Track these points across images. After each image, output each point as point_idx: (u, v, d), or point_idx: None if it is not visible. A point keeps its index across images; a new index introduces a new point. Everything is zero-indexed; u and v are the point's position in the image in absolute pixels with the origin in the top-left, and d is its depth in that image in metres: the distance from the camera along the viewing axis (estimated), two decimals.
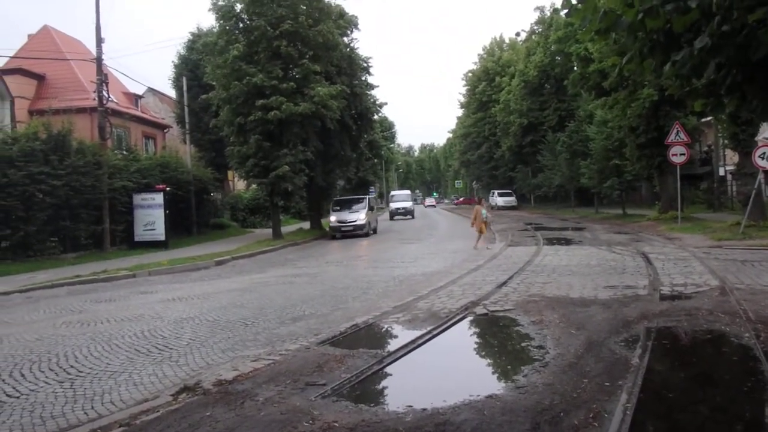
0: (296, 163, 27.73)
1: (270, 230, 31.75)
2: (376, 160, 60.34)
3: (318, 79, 28.26)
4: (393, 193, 65.49)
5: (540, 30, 57.92)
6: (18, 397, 6.56)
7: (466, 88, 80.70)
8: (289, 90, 27.07)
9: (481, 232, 21.82)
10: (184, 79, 37.56)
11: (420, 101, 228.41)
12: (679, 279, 12.17)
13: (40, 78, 38.91)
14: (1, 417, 5.97)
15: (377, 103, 37.44)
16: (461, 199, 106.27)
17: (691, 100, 8.02)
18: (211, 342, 8.71)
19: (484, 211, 22.13)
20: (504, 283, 12.47)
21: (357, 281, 14.56)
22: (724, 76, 6.37)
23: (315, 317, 10.18)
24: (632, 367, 6.45)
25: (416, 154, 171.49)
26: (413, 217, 52.37)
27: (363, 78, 35.18)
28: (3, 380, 7.21)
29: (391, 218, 50.77)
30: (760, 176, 21.79)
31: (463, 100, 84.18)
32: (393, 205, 56.45)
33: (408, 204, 55.20)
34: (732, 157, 33.66)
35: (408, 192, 65.88)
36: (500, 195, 63.12)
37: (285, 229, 33.62)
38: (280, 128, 27.56)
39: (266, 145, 27.50)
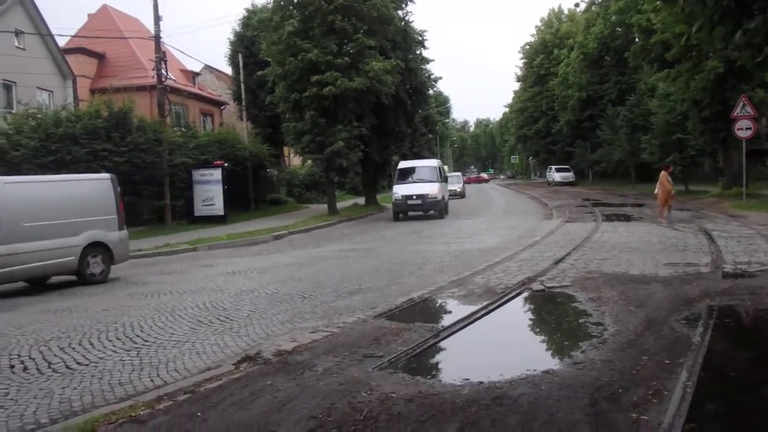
0: (351, 138, 27.77)
1: (325, 206, 31.97)
2: (431, 136, 59.74)
3: (372, 53, 28.12)
4: (400, 165, 29.74)
5: (600, 0, 56.33)
6: (87, 365, 6.83)
7: (523, 61, 79.28)
8: (343, 65, 27.05)
9: (665, 204, 19.68)
10: (240, 56, 37.89)
11: (476, 75, 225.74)
12: (743, 257, 11.85)
13: (100, 57, 39.81)
14: (72, 384, 6.22)
15: (432, 77, 37.09)
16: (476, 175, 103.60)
17: (762, 71, 7.80)
18: (270, 314, 8.89)
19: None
20: (561, 260, 12.35)
21: (412, 256, 14.60)
22: None
23: (371, 291, 10.27)
24: (693, 345, 6.35)
25: (471, 129, 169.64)
26: (442, 215, 26.87)
27: (418, 52, 34.87)
28: (73, 348, 7.52)
29: (396, 217, 26.80)
30: None
31: (519, 73, 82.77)
32: (396, 191, 27.21)
33: (428, 188, 26.68)
34: None
35: (435, 162, 30.88)
36: (557, 171, 62.05)
37: (340, 204, 33.75)
38: (335, 104, 27.60)
39: (321, 121, 27.62)
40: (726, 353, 6.42)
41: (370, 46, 28.01)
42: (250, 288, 11.15)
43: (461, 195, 44.35)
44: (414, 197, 26.11)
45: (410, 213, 26.96)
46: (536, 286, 9.88)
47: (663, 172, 20.13)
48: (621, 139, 45.52)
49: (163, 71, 26.18)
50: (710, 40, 7.41)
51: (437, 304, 9.18)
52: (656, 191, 20.03)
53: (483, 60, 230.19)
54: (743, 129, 24.33)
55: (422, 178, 27.19)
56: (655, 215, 22.18)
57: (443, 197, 27.21)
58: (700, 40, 7.84)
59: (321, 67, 26.97)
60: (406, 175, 27.89)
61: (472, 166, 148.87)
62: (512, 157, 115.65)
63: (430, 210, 26.63)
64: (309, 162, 37.09)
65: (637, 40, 36.84)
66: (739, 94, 25.69)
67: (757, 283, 9.41)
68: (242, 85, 37.83)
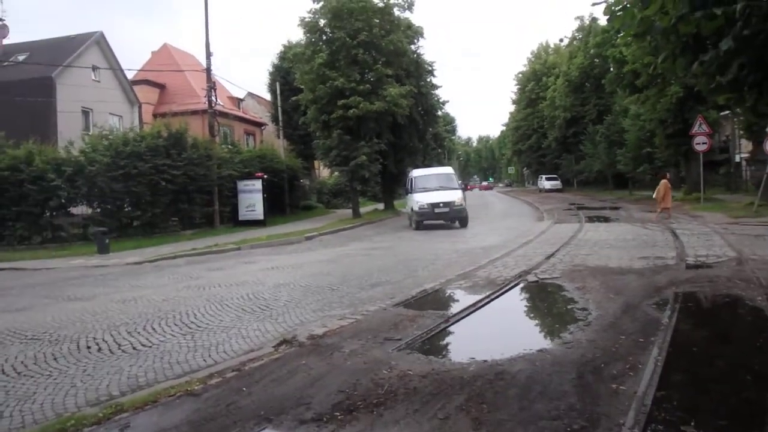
0: (372, 153, 27.77)
1: (350, 211, 31.92)
2: (440, 150, 59.66)
3: (390, 81, 28.14)
4: (415, 174, 24.70)
5: (580, 36, 56.28)
6: (150, 347, 6.90)
7: (517, 87, 78.81)
8: (365, 91, 27.09)
9: (666, 208, 19.76)
10: (278, 84, 38.15)
11: (478, 98, 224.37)
12: (702, 251, 11.79)
13: (161, 87, 40.32)
14: (138, 362, 6.30)
15: (440, 101, 37.07)
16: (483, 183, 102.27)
17: (715, 95, 7.84)
18: (304, 303, 8.90)
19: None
20: (552, 255, 12.29)
21: (425, 254, 14.57)
22: (746, 75, 6.21)
23: (390, 284, 10.25)
24: (662, 326, 6.34)
25: (474, 144, 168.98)
26: (463, 225, 22.10)
27: (428, 79, 34.76)
28: (138, 333, 7.59)
29: (417, 227, 22.05)
30: None
31: (514, 97, 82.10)
32: (420, 199, 22.29)
33: (452, 195, 22.28)
34: (746, 146, 33.29)
35: (447, 170, 26.45)
36: (547, 179, 61.74)
37: (363, 209, 33.70)
38: (358, 124, 27.63)
39: (346, 138, 27.65)
40: (689, 332, 6.41)
41: (388, 74, 28.04)
42: (286, 281, 11.16)
43: (459, 218, 33.48)
44: (441, 205, 21.58)
45: (432, 222, 21.97)
46: (531, 277, 9.84)
47: (664, 180, 20.53)
48: (600, 152, 45.44)
49: (213, 98, 26.39)
50: (673, 69, 7.45)
51: (447, 294, 9.17)
52: (655, 195, 20.21)
53: (484, 86, 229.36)
54: (700, 144, 24.58)
55: (444, 186, 22.74)
56: (629, 216, 22.10)
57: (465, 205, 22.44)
58: (664, 70, 7.85)
59: (346, 93, 27.05)
60: (425, 182, 23.19)
61: (476, 176, 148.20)
62: (509, 168, 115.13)
63: (456, 218, 21.92)
64: (336, 173, 37.16)
65: (612, 69, 36.82)
66: (697, 114, 25.85)
67: (714, 272, 9.39)
68: (279, 109, 38.14)
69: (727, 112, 28.97)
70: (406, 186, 25.44)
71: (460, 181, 25.05)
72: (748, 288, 8.03)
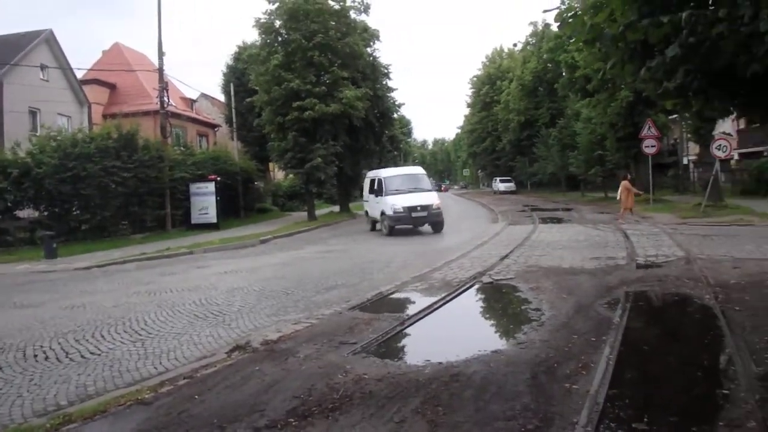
0: (327, 155, 27.64)
1: (305, 213, 31.73)
2: (396, 153, 59.90)
3: (346, 83, 28.10)
4: (384, 174, 22.40)
5: (534, 41, 57.40)
6: (99, 355, 6.69)
7: (472, 90, 79.87)
8: (321, 93, 26.97)
9: (627, 207, 20.27)
10: (232, 86, 37.63)
11: (433, 101, 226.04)
12: (652, 251, 12.12)
13: (112, 87, 39.24)
14: (86, 371, 6.10)
15: (396, 103, 37.10)
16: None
17: (663, 100, 8.07)
18: (258, 308, 8.79)
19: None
20: (506, 256, 12.44)
21: (380, 256, 14.59)
22: (691, 81, 6.42)
23: (345, 287, 10.21)
24: (614, 325, 6.47)
25: (430, 147, 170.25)
26: (438, 230, 20.49)
27: (384, 82, 34.85)
28: (87, 340, 7.35)
29: (390, 232, 20.30)
30: (717, 164, 22.15)
31: (469, 100, 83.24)
32: (395, 202, 20.37)
33: (429, 197, 20.73)
34: (694, 149, 34.20)
35: (418, 170, 23.85)
36: (502, 181, 62.59)
37: (318, 212, 33.55)
38: (314, 126, 27.47)
39: (302, 140, 27.44)
40: (640, 331, 6.56)
41: (344, 77, 28.00)
42: (240, 286, 11.02)
43: (435, 222, 23.66)
44: (419, 208, 19.82)
45: (405, 226, 20.46)
46: (486, 279, 9.95)
47: (624, 181, 20.93)
48: (553, 155, 46.15)
49: (166, 99, 25.80)
50: (622, 74, 7.67)
51: (402, 297, 9.18)
52: (619, 197, 20.60)
53: (439, 88, 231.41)
54: (649, 146, 25.11)
55: (417, 187, 21.09)
56: (581, 218, 22.55)
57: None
58: (614, 75, 8.08)
59: (302, 95, 26.87)
60: (396, 183, 21.19)
61: (431, 179, 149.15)
62: (464, 170, 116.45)
63: (434, 222, 20.39)
64: (291, 176, 36.80)
65: (564, 74, 37.78)
66: (646, 118, 26.39)
67: (663, 272, 9.65)
68: (233, 110, 37.59)
69: (675, 116, 29.77)
70: (366, 188, 23.57)
71: (432, 182, 23.68)
72: (697, 287, 8.27)
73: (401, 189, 20.88)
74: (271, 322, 7.80)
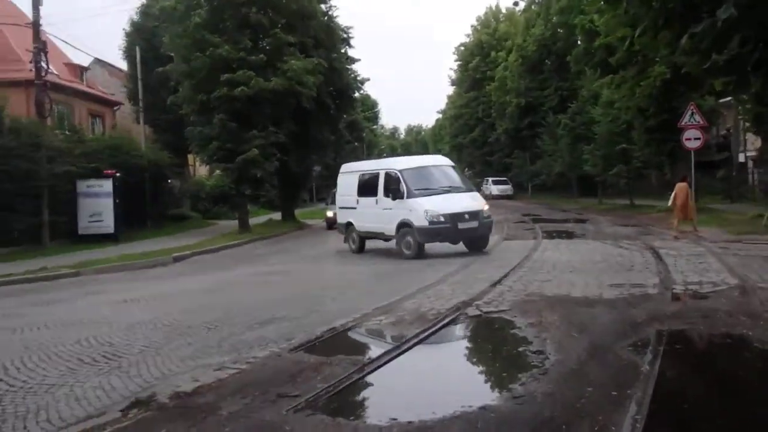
0: (266, 146, 27.59)
1: (236, 222, 31.61)
2: (357, 144, 60.01)
3: (292, 51, 28.11)
4: (401, 164, 19.87)
5: (540, 0, 57.87)
6: None
7: (458, 63, 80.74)
8: (259, 63, 26.92)
9: (685, 216, 20.05)
10: (138, 50, 37.17)
11: (407, 78, 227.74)
12: (693, 277, 12.19)
13: None
14: None
15: (359, 78, 37.31)
16: None
17: (710, 78, 8.12)
18: (168, 349, 8.65)
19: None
20: (499, 281, 12.47)
21: (335, 279, 14.61)
22: (750, 51, 6.38)
23: (288, 320, 10.12)
24: (642, 374, 6.47)
25: (402, 136, 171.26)
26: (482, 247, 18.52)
27: (343, 51, 35.01)
28: None
29: (419, 251, 18.03)
30: None
31: (454, 76, 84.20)
32: (431, 207, 17.75)
33: (473, 200, 18.98)
34: (754, 142, 33.96)
35: (442, 159, 22.49)
36: (495, 183, 62.99)
37: (253, 220, 33.41)
38: (249, 107, 27.40)
39: (232, 125, 27.34)
40: (678, 382, 6.58)
41: (290, 42, 28.01)
42: (145, 319, 10.82)
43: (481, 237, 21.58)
44: (467, 216, 17.76)
45: (431, 243, 18.45)
46: (472, 311, 9.93)
47: (681, 183, 20.64)
48: (562, 149, 46.59)
49: (44, 64, 25.26)
50: (654, 45, 7.73)
51: (363, 334, 9.14)
52: (670, 203, 20.55)
53: (416, 61, 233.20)
54: (692, 139, 24.59)
55: (453, 185, 19.17)
56: (598, 231, 22.81)
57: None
58: (642, 46, 8.12)
59: (233, 65, 26.79)
60: (423, 179, 19.04)
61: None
62: None
63: (482, 237, 18.57)
64: (217, 172, 36.61)
65: (579, 42, 37.93)
66: (688, 101, 26.20)
67: (708, 305, 9.68)
68: (140, 83, 37.11)
69: (728, 98, 29.77)
70: (349, 188, 21.25)
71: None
72: (756, 326, 8.25)
73: (431, 188, 18.76)
74: (186, 367, 7.67)
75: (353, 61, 36.11)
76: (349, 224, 20.84)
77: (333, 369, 7.11)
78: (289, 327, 9.58)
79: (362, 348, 8.50)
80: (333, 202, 27.52)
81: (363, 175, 20.85)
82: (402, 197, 18.37)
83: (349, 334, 9.06)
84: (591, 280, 12.30)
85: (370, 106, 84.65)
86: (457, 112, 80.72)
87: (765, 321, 8.49)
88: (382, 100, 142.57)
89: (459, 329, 9.25)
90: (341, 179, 22.10)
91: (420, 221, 17.68)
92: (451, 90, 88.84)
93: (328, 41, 32.73)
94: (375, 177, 20.02)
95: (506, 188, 61.72)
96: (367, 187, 20.17)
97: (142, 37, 38.65)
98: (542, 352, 7.51)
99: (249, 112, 27.58)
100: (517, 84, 58.55)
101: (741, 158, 39.29)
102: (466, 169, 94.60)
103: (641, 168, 36.10)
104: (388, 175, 19.34)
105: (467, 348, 8.79)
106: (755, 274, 12.18)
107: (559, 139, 47.13)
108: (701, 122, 25.03)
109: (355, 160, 29.58)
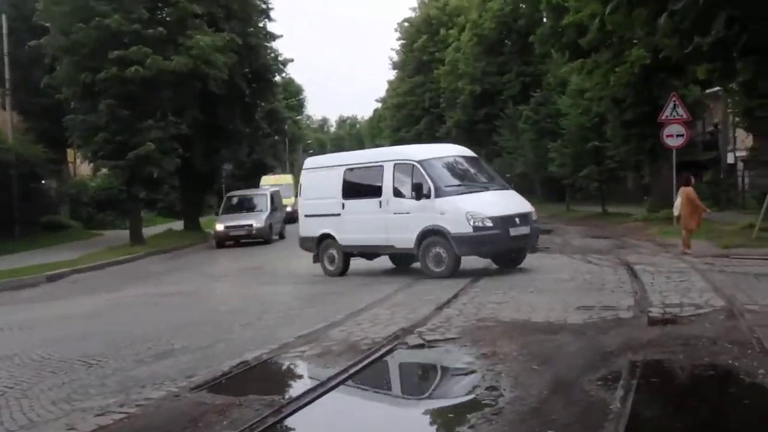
0: (165, 139, 27.42)
1: (127, 232, 31.27)
2: (277, 137, 59.67)
3: (198, 24, 28.01)
4: (424, 153, 18.34)
5: None
6: None
7: (401, 42, 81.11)
8: (157, 38, 26.73)
9: (691, 229, 19.25)
10: (4, 18, 36.49)
11: (340, 60, 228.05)
12: (674, 298, 12.32)
13: None
14: None
15: (280, 59, 37.35)
16: None
17: (692, 64, 8.25)
18: (37, 390, 8.55)
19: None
20: (446, 303, 12.57)
21: (248, 302, 14.57)
22: (736, 34, 6.55)
23: (188, 352, 10.10)
24: (612, 413, 6.55)
25: (332, 129, 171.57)
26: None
27: (261, 24, 35.01)
28: None
29: (454, 268, 16.68)
30: None
31: (396, 58, 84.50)
32: (476, 209, 16.50)
33: (517, 200, 18.23)
34: (745, 140, 34.46)
35: (465, 150, 20.24)
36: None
37: (148, 230, 33.06)
38: (144, 91, 27.22)
39: (124, 113, 27.12)
40: (655, 422, 6.72)
41: (195, 13, 27.90)
42: (8, 353, 10.70)
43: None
44: (517, 220, 16.85)
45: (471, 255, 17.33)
46: (413, 339, 9.95)
47: (685, 188, 19.48)
48: (524, 146, 47.28)
49: None
50: (628, 23, 7.84)
51: (280, 369, 9.16)
52: (676, 213, 20.02)
53: (350, 38, 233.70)
54: (674, 136, 25.03)
55: (491, 182, 18.56)
56: (565, 244, 23.11)
57: None
58: (616, 25, 8.23)
59: (124, 39, 26.58)
60: (452, 175, 17.97)
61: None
62: None
63: (530, 246, 18.11)
64: (104, 171, 36.07)
65: (545, 20, 38.44)
66: (670, 92, 26.43)
67: (691, 331, 9.78)
68: (6, 59, 36.39)
69: (717, 88, 29.86)
70: (332, 188, 18.85)
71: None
72: (744, 355, 8.36)
73: (467, 184, 17.80)
74: (60, 412, 7.56)
75: (274, 37, 36.23)
76: (325, 237, 18.87)
77: (243, 411, 7.06)
78: (190, 360, 9.54)
79: (279, 386, 8.48)
80: (226, 212, 28.75)
81: (351, 169, 19.04)
82: (429, 196, 16.85)
83: (264, 368, 9.03)
84: (555, 301, 12.41)
85: (294, 93, 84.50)
86: (399, 100, 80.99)
87: (754, 350, 8.58)
88: (309, 87, 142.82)
89: (397, 362, 9.29)
90: (307, 178, 20.20)
91: (459, 227, 16.28)
92: (392, 74, 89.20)
93: (242, 12, 32.71)
94: (376, 171, 18.27)
95: None
96: (360, 186, 18.70)
97: (10, 3, 37.94)
98: (496, 388, 7.56)
99: (144, 98, 27.38)
100: (471, 68, 59.01)
101: (730, 158, 39.65)
102: None
103: (616, 169, 36.67)
104: (400, 168, 17.71)
105: (407, 384, 8.84)
106: (744, 295, 12.30)
107: (521, 134, 47.74)
108: (685, 116, 25.28)
109: (274, 158, 29.37)
